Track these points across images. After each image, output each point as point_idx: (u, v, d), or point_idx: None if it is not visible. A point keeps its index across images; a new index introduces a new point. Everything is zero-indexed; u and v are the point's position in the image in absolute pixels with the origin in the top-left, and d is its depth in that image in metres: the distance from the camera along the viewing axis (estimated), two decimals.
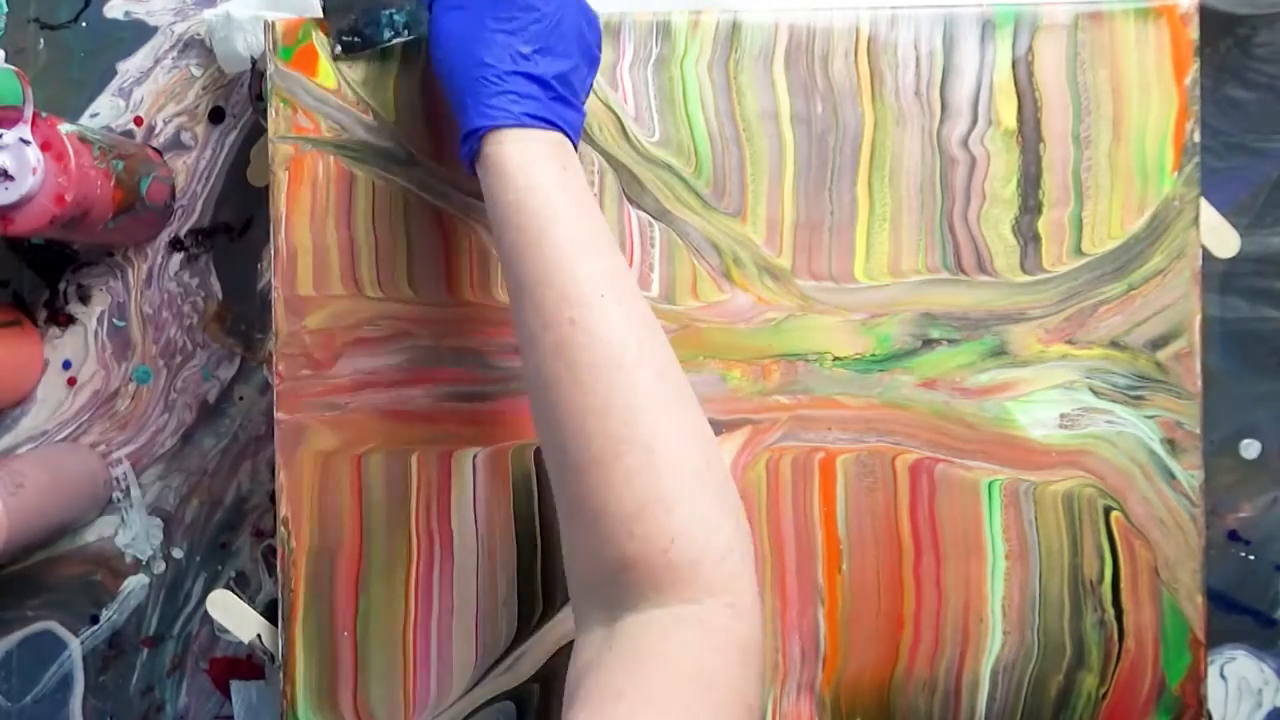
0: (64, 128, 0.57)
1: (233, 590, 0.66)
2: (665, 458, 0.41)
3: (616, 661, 0.39)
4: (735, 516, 0.42)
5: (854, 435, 0.58)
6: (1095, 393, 0.57)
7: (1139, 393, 0.57)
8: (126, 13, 0.68)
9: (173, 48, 0.68)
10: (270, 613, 0.62)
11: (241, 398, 0.68)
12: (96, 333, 0.68)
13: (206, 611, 0.65)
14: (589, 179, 0.58)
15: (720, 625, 0.40)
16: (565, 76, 0.48)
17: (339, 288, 0.58)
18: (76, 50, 0.68)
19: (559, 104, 0.48)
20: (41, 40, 0.68)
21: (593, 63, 0.52)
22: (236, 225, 0.68)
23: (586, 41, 0.51)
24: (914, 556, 0.57)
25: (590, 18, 0.52)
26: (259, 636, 0.63)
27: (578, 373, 0.42)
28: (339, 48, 0.57)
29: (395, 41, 0.56)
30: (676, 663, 0.38)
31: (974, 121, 0.57)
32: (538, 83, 0.47)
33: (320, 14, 0.58)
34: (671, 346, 0.45)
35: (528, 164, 0.45)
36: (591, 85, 0.52)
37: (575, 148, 0.49)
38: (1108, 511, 0.57)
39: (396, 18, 0.56)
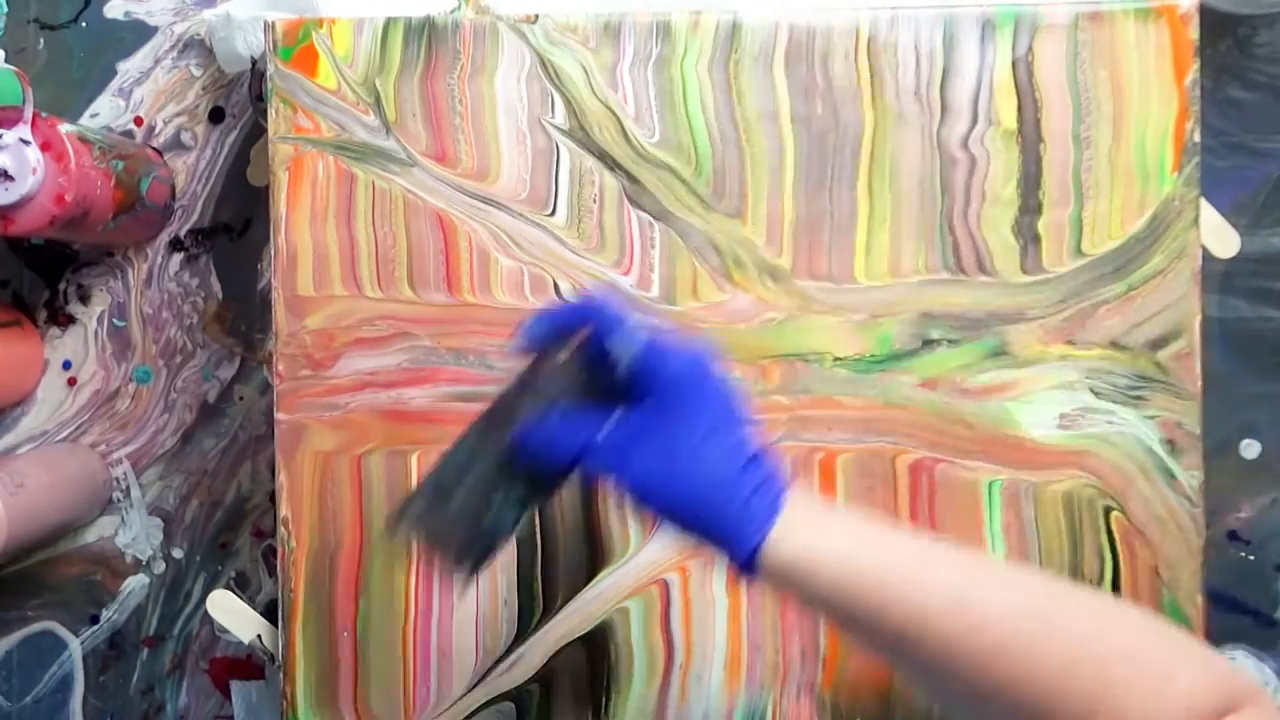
0: (64, 128, 0.57)
1: (233, 590, 0.66)
2: (1143, 648, 0.40)
3: None
4: (1205, 653, 0.41)
5: (854, 435, 0.58)
6: (1095, 393, 0.57)
7: (1139, 393, 0.57)
8: (126, 13, 0.68)
9: (173, 48, 0.68)
10: (270, 613, 0.62)
11: (241, 398, 0.68)
12: (96, 333, 0.68)
13: (206, 611, 0.65)
14: (590, 181, 0.58)
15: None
16: (754, 429, 0.44)
17: (339, 288, 0.58)
18: (76, 50, 0.68)
19: (773, 458, 0.43)
20: (41, 40, 0.68)
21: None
22: (236, 225, 0.68)
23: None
24: None
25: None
26: (259, 636, 0.62)
27: (1028, 656, 0.40)
28: (469, 572, 0.46)
29: (521, 521, 0.46)
30: None
31: (974, 121, 0.57)
32: (759, 459, 0.43)
33: (318, 13, 0.58)
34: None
35: (813, 543, 0.41)
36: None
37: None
38: (1108, 511, 0.57)
39: (509, 499, 0.45)
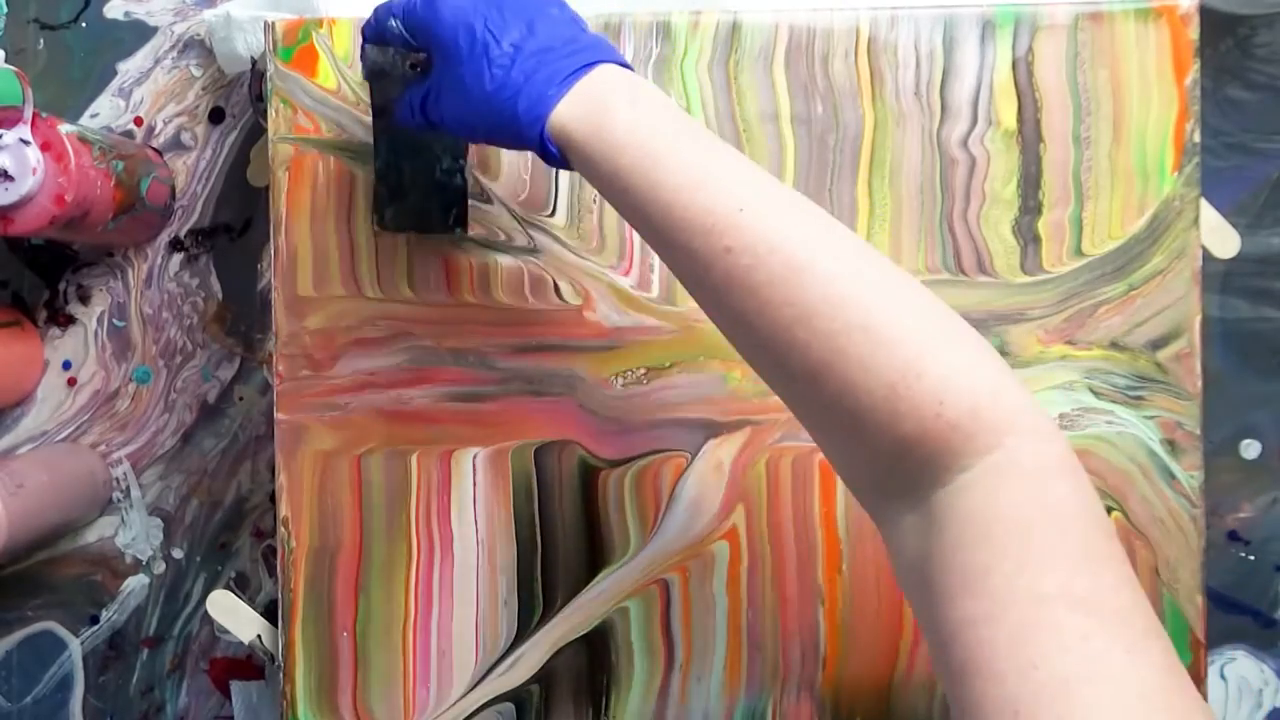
0: (64, 128, 0.57)
1: (233, 590, 0.66)
2: (887, 328, 0.38)
3: (959, 539, 0.36)
4: (982, 346, 0.39)
5: None
6: (1095, 393, 0.57)
7: (1139, 393, 0.57)
8: (126, 13, 0.68)
9: (173, 48, 0.68)
10: (270, 613, 0.62)
11: (241, 398, 0.68)
12: (96, 333, 0.68)
13: (206, 611, 0.65)
14: None
15: (1035, 456, 0.36)
16: (553, 30, 0.45)
17: (339, 288, 0.58)
18: (76, 50, 0.68)
19: (572, 51, 0.44)
20: (41, 40, 0.68)
21: None
22: (236, 225, 0.68)
23: None
24: None
25: None
26: (259, 636, 0.62)
27: (762, 294, 0.39)
28: (461, 226, 0.57)
29: (466, 171, 0.56)
30: (1020, 513, 0.35)
31: (974, 122, 0.57)
32: (543, 54, 0.44)
33: (318, 13, 0.58)
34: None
35: (596, 129, 0.42)
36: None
37: (621, 62, 0.45)
38: (1108, 512, 0.57)
39: (444, 163, 0.56)
